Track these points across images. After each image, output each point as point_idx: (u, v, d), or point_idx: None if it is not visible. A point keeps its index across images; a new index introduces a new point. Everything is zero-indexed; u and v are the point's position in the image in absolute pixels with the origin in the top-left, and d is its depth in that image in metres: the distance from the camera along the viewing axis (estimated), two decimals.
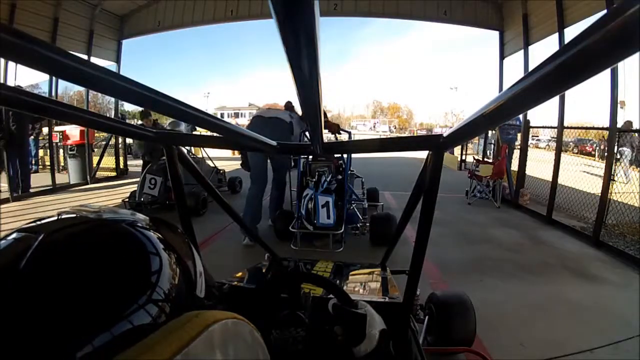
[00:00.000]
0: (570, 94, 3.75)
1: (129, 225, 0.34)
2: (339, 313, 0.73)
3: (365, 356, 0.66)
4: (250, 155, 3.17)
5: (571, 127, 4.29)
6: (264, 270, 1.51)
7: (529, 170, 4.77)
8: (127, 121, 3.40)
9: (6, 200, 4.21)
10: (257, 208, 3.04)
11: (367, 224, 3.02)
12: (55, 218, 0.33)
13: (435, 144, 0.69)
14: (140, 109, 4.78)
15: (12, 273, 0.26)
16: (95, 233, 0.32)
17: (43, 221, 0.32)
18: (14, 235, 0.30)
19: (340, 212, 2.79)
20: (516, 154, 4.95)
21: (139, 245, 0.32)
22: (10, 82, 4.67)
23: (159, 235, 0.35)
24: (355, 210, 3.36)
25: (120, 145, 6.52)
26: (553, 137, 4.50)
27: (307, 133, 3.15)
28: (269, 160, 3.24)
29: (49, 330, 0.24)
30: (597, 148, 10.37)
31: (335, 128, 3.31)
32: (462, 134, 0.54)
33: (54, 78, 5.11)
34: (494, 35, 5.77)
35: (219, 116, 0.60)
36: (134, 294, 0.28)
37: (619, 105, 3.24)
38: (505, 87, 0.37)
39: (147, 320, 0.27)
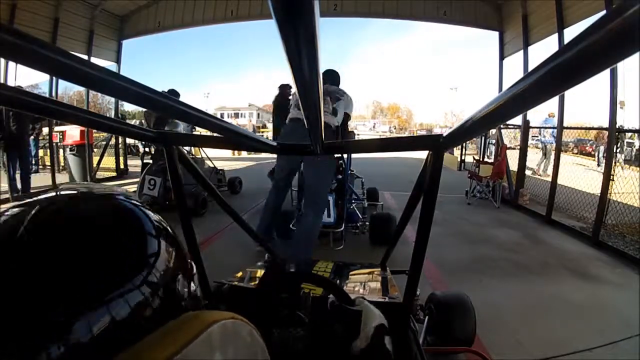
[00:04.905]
0: (571, 93, 3.76)
1: (126, 201, 0.33)
2: (336, 311, 0.74)
3: (361, 352, 0.67)
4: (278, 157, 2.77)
5: (571, 128, 4.30)
6: (263, 271, 1.51)
7: (528, 170, 4.78)
8: (127, 121, 3.40)
9: (6, 201, 4.21)
10: (270, 220, 2.70)
11: (367, 223, 3.04)
12: (53, 194, 0.33)
13: (435, 144, 0.69)
14: (140, 108, 4.79)
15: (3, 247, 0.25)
16: (93, 207, 0.31)
17: (40, 197, 0.31)
18: (8, 210, 0.29)
19: (341, 211, 2.82)
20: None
21: (137, 222, 0.32)
22: (11, 82, 4.67)
23: (156, 216, 0.34)
24: (355, 209, 3.35)
25: (120, 145, 6.52)
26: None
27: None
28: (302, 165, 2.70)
29: (37, 305, 0.23)
30: (597, 148, 10.36)
31: (352, 137, 3.24)
32: (462, 134, 0.54)
33: (54, 78, 5.11)
34: (494, 35, 5.78)
35: (218, 116, 0.60)
36: (126, 273, 0.27)
37: (618, 105, 3.24)
38: (505, 87, 0.37)
39: (138, 301, 0.27)
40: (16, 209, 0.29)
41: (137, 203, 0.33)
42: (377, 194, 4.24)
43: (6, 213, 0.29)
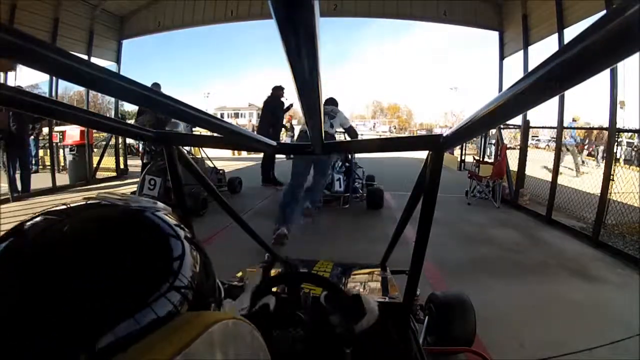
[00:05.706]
0: (571, 93, 3.76)
1: (156, 214, 0.34)
2: (332, 302, 0.74)
3: (368, 329, 0.68)
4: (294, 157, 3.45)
5: (571, 128, 4.30)
6: (263, 270, 1.51)
7: (529, 171, 4.78)
8: (127, 121, 3.39)
9: (6, 200, 4.21)
10: (290, 200, 3.05)
11: (365, 194, 4.45)
12: (83, 203, 0.33)
13: (435, 144, 0.69)
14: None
15: (37, 257, 0.26)
16: (124, 220, 0.32)
17: (70, 205, 0.33)
18: (39, 218, 0.30)
19: (347, 184, 4.33)
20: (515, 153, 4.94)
21: (166, 234, 0.33)
22: (11, 82, 4.67)
23: (183, 227, 0.35)
24: (357, 187, 4.66)
25: (120, 145, 6.52)
26: (553, 137, 4.51)
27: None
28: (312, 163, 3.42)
29: (72, 314, 0.24)
30: (596, 148, 10.35)
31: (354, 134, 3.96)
32: (462, 134, 0.54)
33: (54, 78, 5.10)
34: (494, 35, 5.78)
35: (219, 116, 0.60)
36: (162, 282, 0.29)
37: (618, 105, 3.24)
38: (505, 87, 0.37)
39: (170, 308, 0.28)
40: (46, 217, 0.30)
41: (164, 217, 0.35)
42: (374, 178, 5.42)
43: (35, 220, 0.30)
